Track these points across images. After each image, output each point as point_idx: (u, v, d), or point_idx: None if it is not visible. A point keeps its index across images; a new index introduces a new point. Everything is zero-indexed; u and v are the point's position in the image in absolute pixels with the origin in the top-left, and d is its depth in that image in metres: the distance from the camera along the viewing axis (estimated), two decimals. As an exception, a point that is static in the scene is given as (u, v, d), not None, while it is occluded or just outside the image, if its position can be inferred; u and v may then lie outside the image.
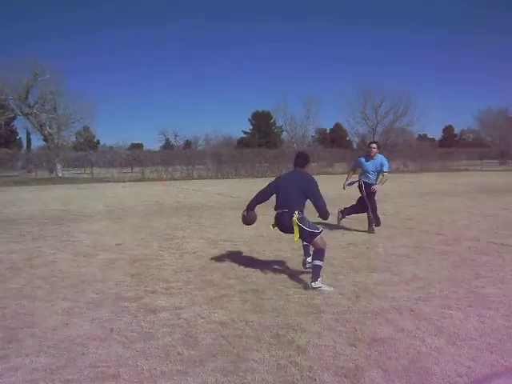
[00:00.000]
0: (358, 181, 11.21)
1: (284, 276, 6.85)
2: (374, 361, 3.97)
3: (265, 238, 9.97)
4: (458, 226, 11.39)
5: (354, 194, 11.96)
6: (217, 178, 41.51)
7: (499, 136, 79.08)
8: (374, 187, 10.74)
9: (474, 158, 64.93)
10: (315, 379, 3.65)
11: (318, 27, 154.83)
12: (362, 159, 11.24)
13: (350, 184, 11.31)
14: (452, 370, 3.78)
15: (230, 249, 8.88)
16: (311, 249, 6.77)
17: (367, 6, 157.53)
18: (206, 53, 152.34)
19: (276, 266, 7.46)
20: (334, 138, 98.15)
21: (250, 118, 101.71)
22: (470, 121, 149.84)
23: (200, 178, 41.51)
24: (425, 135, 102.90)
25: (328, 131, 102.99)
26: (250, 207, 7.30)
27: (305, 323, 4.90)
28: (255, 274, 6.96)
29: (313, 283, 6.13)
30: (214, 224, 12.20)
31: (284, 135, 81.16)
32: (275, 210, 6.99)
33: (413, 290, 6.07)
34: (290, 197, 6.72)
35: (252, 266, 7.44)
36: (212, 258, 8.07)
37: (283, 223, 6.89)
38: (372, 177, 11.01)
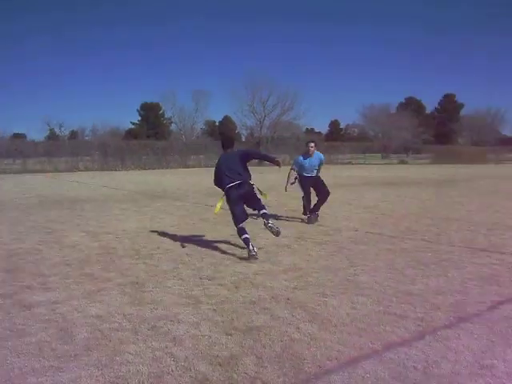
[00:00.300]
0: (296, 178, 11.57)
1: (165, 268, 6.83)
2: (248, 349, 4.08)
3: (148, 230, 9.90)
4: (339, 217, 11.83)
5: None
6: (103, 169, 40.48)
7: (382, 131, 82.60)
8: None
9: (358, 152, 67.58)
10: (190, 369, 3.70)
11: (207, 21, 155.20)
12: (300, 158, 11.55)
13: (292, 184, 11.64)
14: (323, 354, 3.96)
15: (111, 242, 8.73)
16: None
17: (252, 2, 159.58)
18: (91, 41, 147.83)
19: (157, 259, 7.42)
20: (223, 131, 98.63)
21: (139, 108, 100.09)
22: (355, 116, 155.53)
23: (86, 169, 40.33)
24: (312, 129, 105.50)
25: (217, 123, 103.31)
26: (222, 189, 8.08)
27: (183, 314, 4.93)
28: (136, 267, 6.90)
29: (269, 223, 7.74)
30: (97, 217, 11.93)
31: (173, 127, 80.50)
32: (227, 186, 7.83)
33: (291, 279, 6.26)
34: (239, 171, 7.79)
35: (133, 259, 7.38)
36: (92, 252, 7.90)
37: (244, 190, 7.81)
38: (312, 173, 11.41)
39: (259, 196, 8.03)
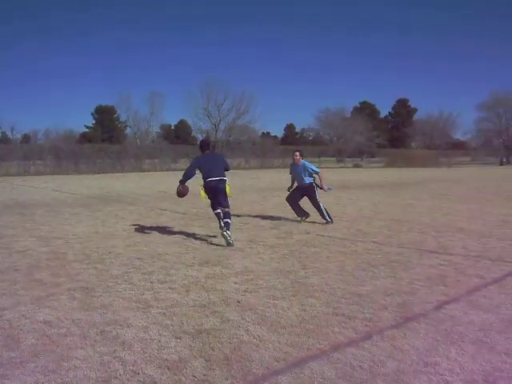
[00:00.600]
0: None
1: (116, 272, 6.77)
2: (197, 351, 4.08)
3: (100, 234, 9.80)
4: (291, 220, 11.90)
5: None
6: (56, 173, 39.78)
7: (336, 135, 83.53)
8: (324, 188, 11.92)
9: (313, 156, 68.07)
10: (138, 373, 3.69)
11: (161, 23, 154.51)
12: (291, 166, 12.19)
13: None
14: (271, 356, 4.00)
15: (62, 246, 8.61)
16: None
17: (210, 8, 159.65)
18: (45, 42, 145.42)
19: (108, 263, 7.34)
20: (179, 134, 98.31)
21: (93, 112, 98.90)
22: (310, 120, 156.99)
23: (38, 173, 39.55)
24: (268, 133, 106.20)
25: (173, 127, 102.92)
26: (183, 182, 9.58)
27: (132, 318, 4.91)
28: (86, 272, 6.82)
29: (226, 232, 8.71)
30: (48, 221, 11.74)
31: (128, 130, 79.67)
32: (208, 179, 9.29)
33: (242, 282, 6.29)
34: (220, 170, 9.36)
35: (83, 264, 7.29)
36: (42, 257, 7.78)
37: (220, 188, 9.28)
38: (301, 181, 11.76)
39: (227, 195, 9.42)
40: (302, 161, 11.74)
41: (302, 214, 11.83)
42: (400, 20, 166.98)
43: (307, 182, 11.69)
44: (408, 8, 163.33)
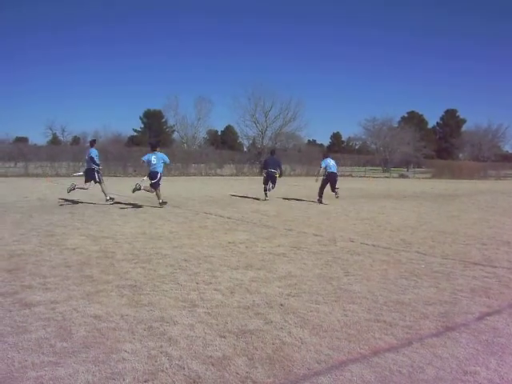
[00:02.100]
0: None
1: (162, 273, 6.97)
2: (240, 350, 4.22)
3: (146, 235, 10.03)
4: (336, 228, 11.96)
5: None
6: (104, 175, 40.41)
7: (383, 144, 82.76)
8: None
9: (359, 165, 67.76)
10: (183, 367, 3.85)
11: (208, 27, 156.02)
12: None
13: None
14: (312, 357, 4.11)
15: (110, 245, 8.87)
16: None
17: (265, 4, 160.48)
18: (96, 45, 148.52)
19: (155, 263, 7.55)
20: (225, 140, 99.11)
21: (142, 116, 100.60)
22: (357, 129, 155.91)
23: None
24: (314, 141, 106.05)
25: (219, 133, 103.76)
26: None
27: (178, 316, 5.08)
28: (134, 271, 7.03)
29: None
30: (97, 221, 12.07)
31: (175, 135, 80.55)
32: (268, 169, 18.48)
33: (285, 286, 6.40)
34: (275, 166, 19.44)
35: (131, 263, 7.51)
36: (92, 255, 8.05)
37: (272, 175, 18.60)
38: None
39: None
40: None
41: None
42: (450, 29, 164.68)
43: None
44: (458, 15, 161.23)
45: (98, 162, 16.98)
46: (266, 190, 19.39)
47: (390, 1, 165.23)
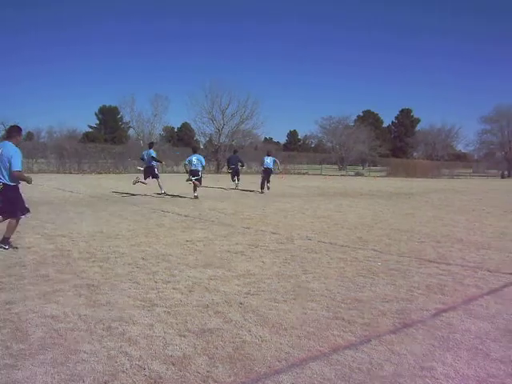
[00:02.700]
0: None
1: (120, 271, 6.89)
2: (201, 349, 4.22)
3: (103, 234, 9.91)
4: (293, 226, 12.03)
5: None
6: (59, 172, 39.84)
7: (339, 143, 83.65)
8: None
9: (315, 163, 68.26)
10: (144, 368, 3.82)
11: (167, 24, 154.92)
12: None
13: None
14: (273, 356, 4.13)
15: (66, 244, 8.73)
16: None
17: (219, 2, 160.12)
18: (50, 41, 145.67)
19: (113, 262, 7.47)
20: (182, 137, 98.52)
21: (97, 112, 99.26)
22: (314, 127, 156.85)
23: (41, 171, 39.58)
24: (271, 138, 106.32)
25: (176, 130, 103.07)
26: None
27: (137, 316, 5.04)
28: (91, 270, 6.94)
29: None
30: (53, 219, 11.87)
31: (131, 132, 79.51)
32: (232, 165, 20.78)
33: (244, 284, 6.42)
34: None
35: (88, 262, 7.42)
36: (48, 254, 7.91)
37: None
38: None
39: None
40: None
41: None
42: (405, 29, 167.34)
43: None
44: (414, 17, 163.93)
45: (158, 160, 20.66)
46: (234, 181, 25.45)
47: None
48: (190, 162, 19.54)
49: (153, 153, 20.15)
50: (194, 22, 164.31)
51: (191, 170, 19.46)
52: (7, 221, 8.28)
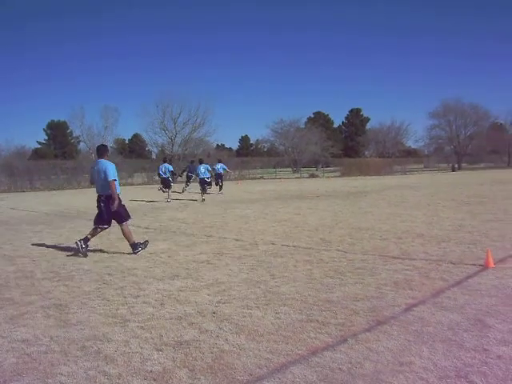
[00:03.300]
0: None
1: (87, 289, 6.79)
2: (180, 362, 4.18)
3: (65, 252, 9.73)
4: (255, 231, 12.04)
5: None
6: (10, 191, 38.99)
7: (291, 145, 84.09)
8: None
9: (268, 167, 68.57)
10: (124, 385, 3.77)
11: (115, 36, 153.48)
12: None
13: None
14: (253, 363, 4.13)
15: (28, 265, 8.55)
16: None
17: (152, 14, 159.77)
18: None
19: (78, 280, 7.35)
20: (133, 149, 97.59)
21: (45, 127, 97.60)
22: (265, 131, 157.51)
23: (-9, 191, 38.72)
24: (223, 145, 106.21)
25: (127, 141, 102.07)
26: None
27: (111, 333, 4.96)
28: (57, 289, 6.81)
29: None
30: (10, 240, 11.60)
31: (81, 146, 78.33)
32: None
33: (214, 293, 6.40)
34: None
35: (53, 281, 7.28)
36: (10, 276, 7.73)
37: None
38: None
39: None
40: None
41: None
42: (348, 29, 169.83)
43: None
44: (356, 15, 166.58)
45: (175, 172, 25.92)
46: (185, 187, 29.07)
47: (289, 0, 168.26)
48: (198, 172, 24.26)
49: (171, 167, 24.44)
50: (137, 34, 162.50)
51: (201, 180, 24.03)
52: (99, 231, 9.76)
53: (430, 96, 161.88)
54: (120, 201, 9.48)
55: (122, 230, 9.48)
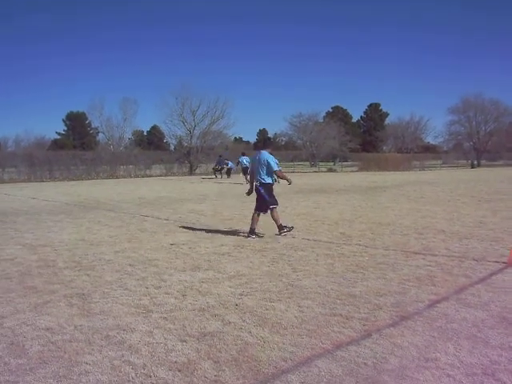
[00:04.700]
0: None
1: (109, 279, 6.82)
2: (204, 353, 4.18)
3: (86, 241, 9.79)
4: (274, 224, 11.99)
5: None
6: (30, 181, 39.29)
7: (309, 139, 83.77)
8: None
9: (286, 160, 68.41)
10: (150, 376, 3.76)
11: (134, 29, 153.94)
12: None
13: None
14: (277, 356, 4.11)
15: (50, 254, 8.61)
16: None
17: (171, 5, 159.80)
18: (12, 48, 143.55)
19: (100, 270, 7.38)
20: (151, 140, 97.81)
21: (65, 118, 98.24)
22: (284, 125, 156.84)
23: (12, 181, 39.00)
24: (241, 138, 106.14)
25: (145, 133, 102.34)
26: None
27: (134, 323, 4.98)
28: (79, 279, 6.85)
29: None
30: (31, 229, 11.69)
31: (100, 137, 78.56)
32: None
33: (236, 286, 6.39)
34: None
35: (75, 271, 7.32)
36: (32, 264, 7.78)
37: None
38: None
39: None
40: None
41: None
42: (371, 24, 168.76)
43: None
44: (376, 10, 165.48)
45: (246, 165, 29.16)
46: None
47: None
48: (241, 162, 30.55)
49: (246, 159, 29.99)
50: (156, 27, 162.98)
51: (243, 168, 29.57)
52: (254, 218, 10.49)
53: (450, 91, 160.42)
54: (272, 189, 10.49)
55: (272, 215, 10.45)
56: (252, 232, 10.30)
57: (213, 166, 42.82)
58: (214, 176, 39.64)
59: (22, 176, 40.88)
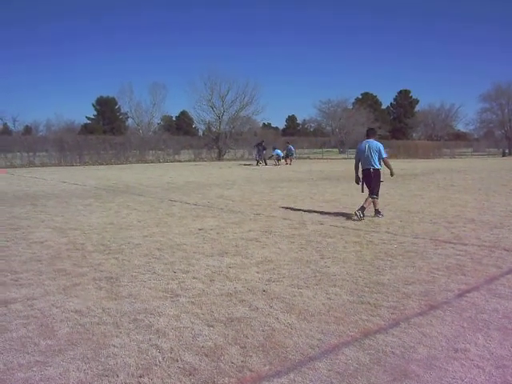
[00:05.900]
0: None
1: (137, 263, 6.86)
2: (231, 339, 4.18)
3: (115, 225, 9.87)
4: (303, 211, 11.97)
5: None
6: (60, 165, 39.76)
7: (338, 126, 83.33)
8: None
9: (315, 147, 68.15)
10: (177, 360, 3.78)
11: (164, 13, 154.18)
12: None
13: None
14: (304, 343, 4.10)
15: (79, 237, 8.70)
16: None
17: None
18: (45, 31, 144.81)
19: (128, 254, 7.43)
20: (180, 126, 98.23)
21: (94, 103, 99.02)
22: (312, 111, 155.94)
23: (43, 165, 39.51)
24: (269, 124, 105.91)
25: (174, 118, 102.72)
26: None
27: (162, 307, 5.00)
28: (108, 262, 6.91)
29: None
30: (61, 212, 11.82)
31: (129, 122, 79.09)
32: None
33: (263, 271, 6.38)
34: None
35: (103, 254, 7.39)
36: (62, 247, 7.87)
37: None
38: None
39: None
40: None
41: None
42: (399, 10, 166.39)
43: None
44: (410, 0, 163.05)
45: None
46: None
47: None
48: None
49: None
50: (193, 10, 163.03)
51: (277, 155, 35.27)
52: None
53: (482, 78, 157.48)
54: (379, 177, 11.12)
55: (372, 200, 11.04)
56: (377, 212, 11.12)
57: (254, 153, 42.93)
58: (257, 164, 38.39)
59: (53, 160, 41.39)
